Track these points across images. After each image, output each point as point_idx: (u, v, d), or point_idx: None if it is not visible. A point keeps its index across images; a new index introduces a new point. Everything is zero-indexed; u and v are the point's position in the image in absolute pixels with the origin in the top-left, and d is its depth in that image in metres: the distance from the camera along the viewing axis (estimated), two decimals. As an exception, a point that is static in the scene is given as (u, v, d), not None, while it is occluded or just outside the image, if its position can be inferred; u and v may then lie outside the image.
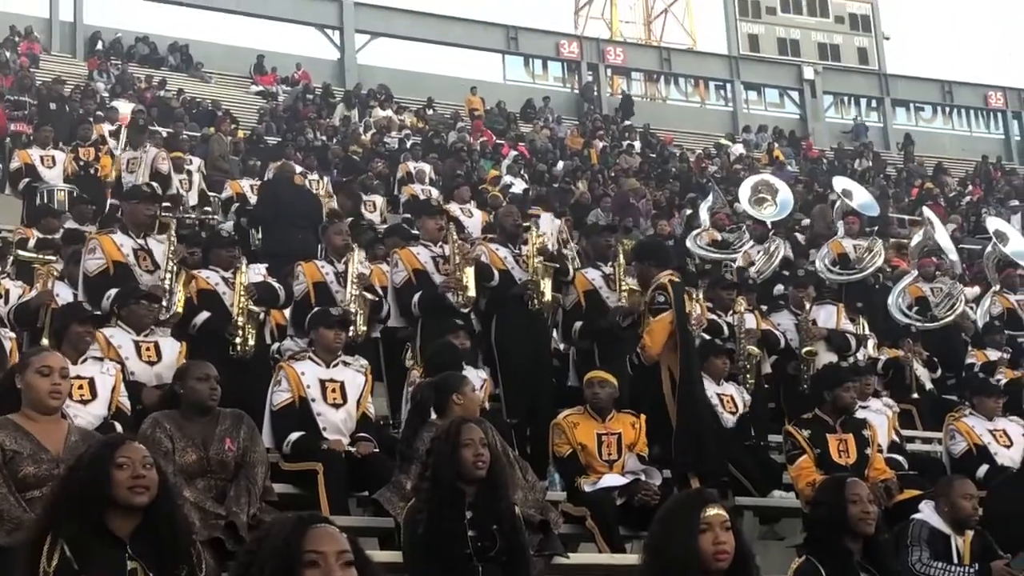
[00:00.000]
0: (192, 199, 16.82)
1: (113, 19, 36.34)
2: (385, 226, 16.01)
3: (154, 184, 15.63)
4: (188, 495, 6.42)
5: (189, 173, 17.73)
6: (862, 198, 18.64)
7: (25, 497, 5.49)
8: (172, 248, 9.46)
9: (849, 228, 16.20)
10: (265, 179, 17.05)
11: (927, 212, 19.49)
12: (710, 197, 19.89)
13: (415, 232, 12.24)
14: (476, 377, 9.27)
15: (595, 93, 42.47)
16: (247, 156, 21.57)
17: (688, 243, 17.00)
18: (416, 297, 10.25)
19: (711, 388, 10.22)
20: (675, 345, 9.37)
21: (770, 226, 17.26)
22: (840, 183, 19.95)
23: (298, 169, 19.04)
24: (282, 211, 14.25)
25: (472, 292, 10.24)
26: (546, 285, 10.56)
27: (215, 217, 16.26)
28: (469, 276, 10.25)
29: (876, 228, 19.68)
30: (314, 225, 13.80)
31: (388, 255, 11.32)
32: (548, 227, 15.44)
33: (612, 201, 23.21)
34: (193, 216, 16.41)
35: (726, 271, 15.19)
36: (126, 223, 9.84)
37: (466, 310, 10.35)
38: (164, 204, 12.61)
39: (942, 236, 17.73)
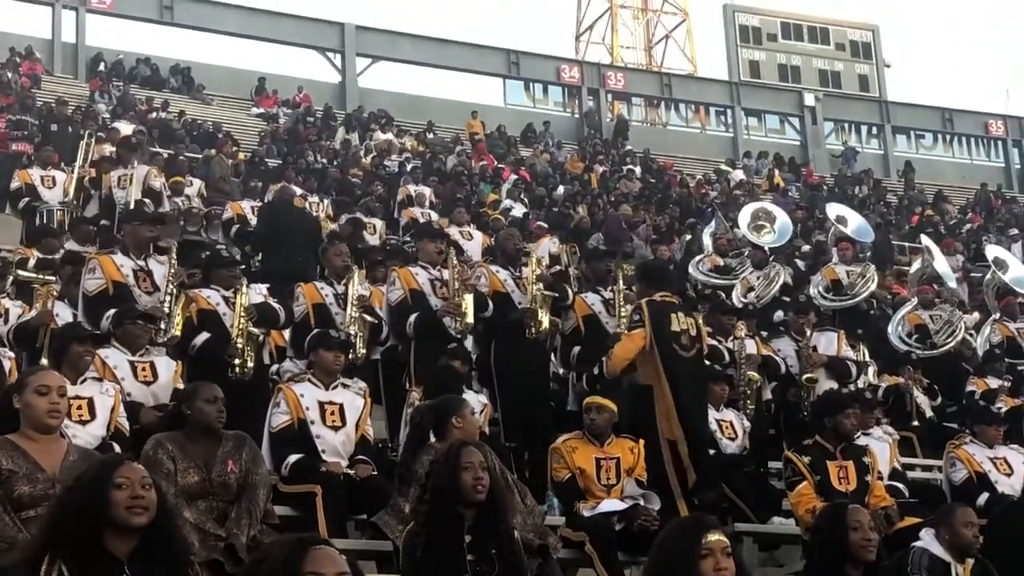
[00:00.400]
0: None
1: (115, 41, 36.52)
2: (387, 248, 15.99)
3: (147, 201, 15.66)
4: (188, 516, 6.40)
5: (188, 197, 17.81)
6: (856, 224, 18.54)
7: (20, 517, 5.47)
8: (172, 271, 9.46)
9: (843, 255, 16.12)
10: (265, 201, 17.05)
11: (925, 240, 19.44)
12: (712, 223, 19.86)
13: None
14: (476, 401, 9.26)
15: (596, 118, 42.53)
16: (248, 178, 21.57)
17: (691, 269, 17.00)
18: (412, 319, 10.23)
19: (710, 414, 10.19)
20: (656, 370, 9.39)
21: (768, 252, 17.22)
22: (834, 209, 19.84)
23: (298, 192, 19.10)
24: (282, 233, 14.26)
25: (470, 319, 10.22)
26: (544, 314, 10.54)
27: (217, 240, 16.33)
28: (468, 303, 10.23)
29: (869, 254, 19.65)
30: (313, 247, 13.80)
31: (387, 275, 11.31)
32: (551, 250, 15.46)
33: (604, 227, 23.18)
34: (196, 207, 16.54)
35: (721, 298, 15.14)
36: (127, 244, 9.84)
37: (462, 336, 10.35)
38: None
39: (941, 264, 17.71)
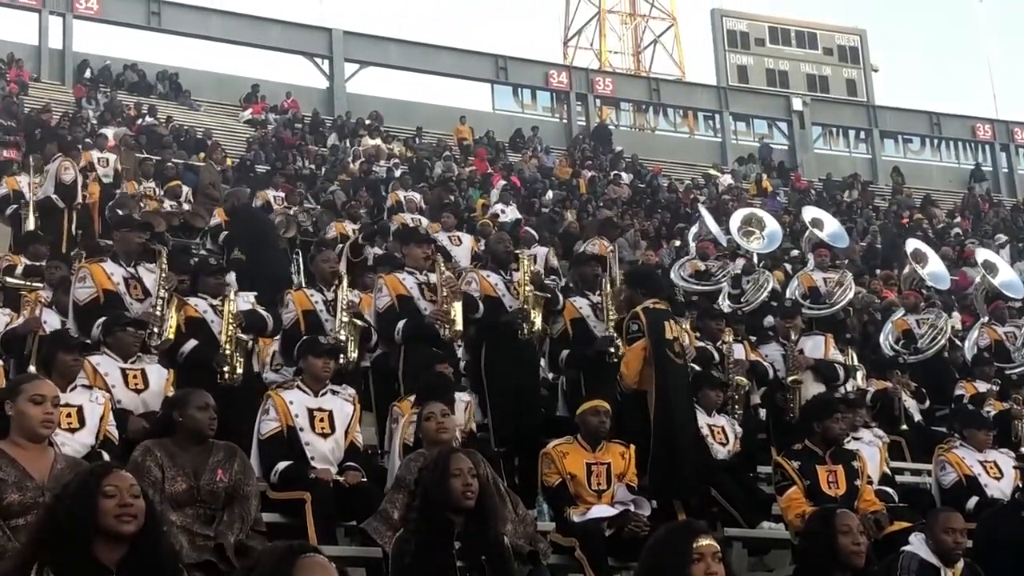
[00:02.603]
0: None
1: (102, 47, 36.43)
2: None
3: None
4: (175, 519, 6.38)
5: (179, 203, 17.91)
6: (832, 228, 18.33)
7: (9, 525, 5.46)
8: (163, 275, 9.44)
9: (820, 260, 15.98)
10: (232, 206, 16.98)
11: (914, 244, 19.27)
12: (696, 225, 19.66)
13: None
14: (459, 400, 9.24)
15: (584, 123, 42.44)
16: (236, 184, 21.56)
17: (672, 274, 16.81)
18: (400, 325, 10.21)
19: (702, 419, 10.17)
20: (649, 376, 9.37)
21: (757, 258, 17.08)
22: (809, 212, 19.58)
23: (271, 194, 19.27)
24: (257, 234, 14.36)
25: (459, 326, 10.22)
26: (536, 314, 10.54)
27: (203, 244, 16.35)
28: (456, 310, 10.23)
29: (845, 261, 19.37)
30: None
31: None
32: (551, 262, 15.46)
33: (585, 231, 23.15)
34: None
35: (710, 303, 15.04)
36: (117, 251, 9.82)
37: (451, 342, 10.34)
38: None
39: (934, 265, 17.68)
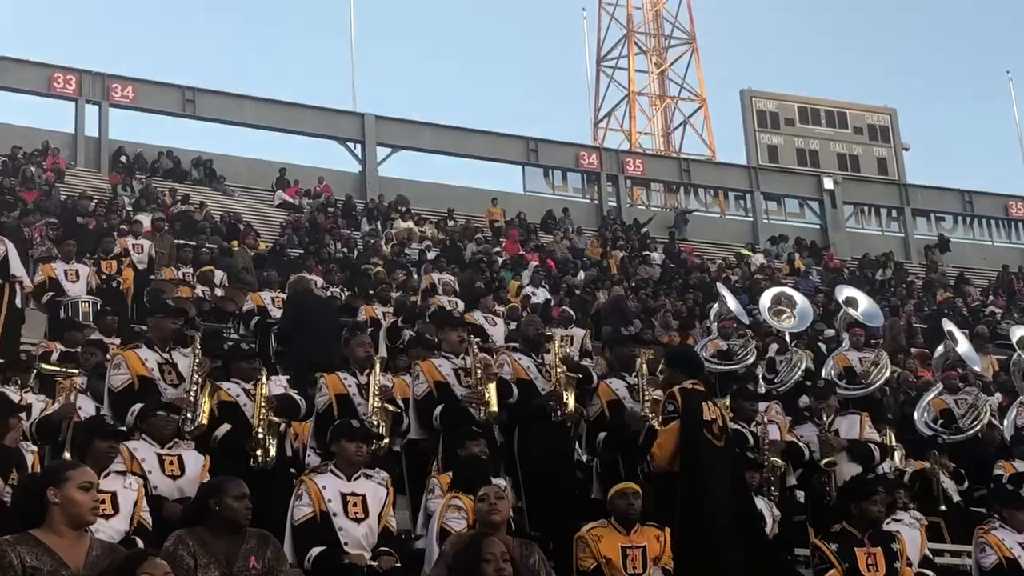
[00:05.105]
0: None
1: (137, 134, 37.01)
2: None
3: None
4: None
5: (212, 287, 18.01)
6: (865, 306, 18.13)
7: (45, 615, 5.43)
8: (197, 360, 9.47)
9: (855, 340, 15.86)
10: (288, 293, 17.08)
11: (948, 324, 19.14)
12: (717, 303, 19.53)
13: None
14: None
15: (615, 204, 42.48)
16: (269, 268, 21.66)
17: (695, 354, 16.52)
18: (438, 410, 10.22)
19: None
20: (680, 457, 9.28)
21: (789, 337, 16.91)
22: (843, 291, 19.37)
23: (319, 281, 19.23)
24: (305, 323, 14.36)
25: (495, 407, 10.21)
26: (569, 396, 10.52)
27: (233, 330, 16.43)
28: (491, 392, 10.22)
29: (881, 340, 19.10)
30: (334, 335, 13.88)
31: (411, 366, 11.29)
32: (587, 344, 15.41)
33: (604, 308, 23.11)
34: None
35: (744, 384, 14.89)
36: (151, 337, 9.87)
37: (488, 424, 10.32)
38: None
39: (963, 347, 17.55)
